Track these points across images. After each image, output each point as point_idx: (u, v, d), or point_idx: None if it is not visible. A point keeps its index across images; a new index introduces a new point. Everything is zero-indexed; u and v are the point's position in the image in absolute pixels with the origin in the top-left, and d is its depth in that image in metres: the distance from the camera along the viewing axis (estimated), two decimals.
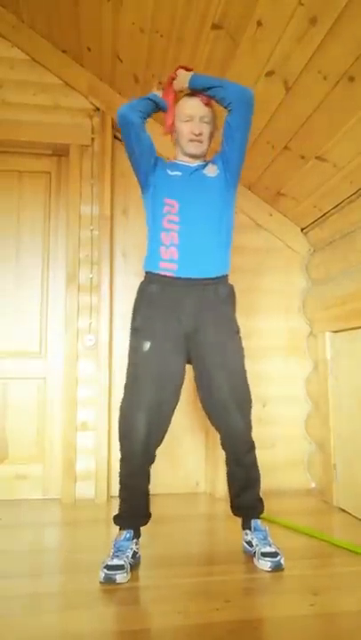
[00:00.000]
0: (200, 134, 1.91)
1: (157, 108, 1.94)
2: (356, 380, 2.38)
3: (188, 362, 1.86)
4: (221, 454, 1.79)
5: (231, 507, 1.92)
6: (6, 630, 1.34)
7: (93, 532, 2.20)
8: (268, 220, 3.00)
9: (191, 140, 1.91)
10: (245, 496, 1.87)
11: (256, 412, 2.90)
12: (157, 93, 1.95)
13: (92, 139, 2.89)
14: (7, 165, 2.93)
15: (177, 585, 1.61)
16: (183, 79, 1.92)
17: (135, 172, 1.95)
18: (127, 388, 1.81)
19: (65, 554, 1.94)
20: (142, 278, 1.90)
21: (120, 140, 2.99)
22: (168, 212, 1.87)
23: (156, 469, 1.73)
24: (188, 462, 2.83)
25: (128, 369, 1.83)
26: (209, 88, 1.86)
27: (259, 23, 1.89)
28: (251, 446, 1.86)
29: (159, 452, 1.81)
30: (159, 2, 2.10)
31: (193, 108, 1.91)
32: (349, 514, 2.38)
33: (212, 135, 1.97)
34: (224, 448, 1.88)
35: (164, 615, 1.42)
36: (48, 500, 2.69)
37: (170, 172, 1.93)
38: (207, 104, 1.92)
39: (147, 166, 1.92)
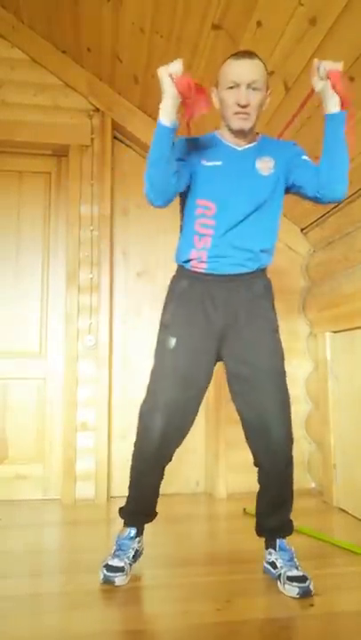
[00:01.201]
0: (247, 105, 1.54)
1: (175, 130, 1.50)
2: (356, 380, 2.38)
3: (220, 360, 1.69)
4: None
5: (257, 525, 1.72)
6: (6, 630, 1.34)
7: (93, 532, 2.20)
8: None
9: (236, 113, 1.56)
10: (276, 516, 1.68)
11: None
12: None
13: (92, 139, 2.89)
14: (7, 165, 2.93)
15: (177, 585, 1.61)
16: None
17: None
18: (150, 384, 1.68)
19: (65, 554, 1.94)
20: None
21: (120, 140, 3.00)
22: (202, 214, 1.64)
23: None
24: (188, 462, 2.83)
25: (153, 365, 1.69)
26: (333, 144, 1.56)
27: (259, 23, 1.89)
28: (290, 460, 1.65)
29: None
30: (159, 2, 2.10)
31: (239, 73, 1.52)
32: (349, 514, 2.38)
33: (262, 104, 1.60)
34: (260, 459, 1.66)
35: (164, 615, 1.42)
36: (48, 500, 2.69)
37: (206, 163, 1.63)
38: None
39: (187, 176, 1.63)
